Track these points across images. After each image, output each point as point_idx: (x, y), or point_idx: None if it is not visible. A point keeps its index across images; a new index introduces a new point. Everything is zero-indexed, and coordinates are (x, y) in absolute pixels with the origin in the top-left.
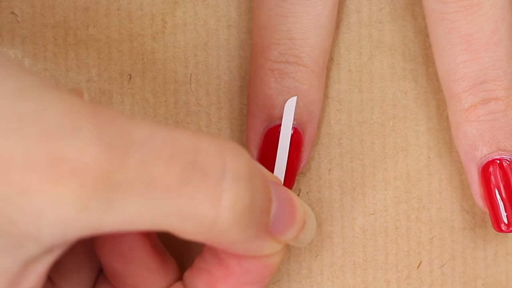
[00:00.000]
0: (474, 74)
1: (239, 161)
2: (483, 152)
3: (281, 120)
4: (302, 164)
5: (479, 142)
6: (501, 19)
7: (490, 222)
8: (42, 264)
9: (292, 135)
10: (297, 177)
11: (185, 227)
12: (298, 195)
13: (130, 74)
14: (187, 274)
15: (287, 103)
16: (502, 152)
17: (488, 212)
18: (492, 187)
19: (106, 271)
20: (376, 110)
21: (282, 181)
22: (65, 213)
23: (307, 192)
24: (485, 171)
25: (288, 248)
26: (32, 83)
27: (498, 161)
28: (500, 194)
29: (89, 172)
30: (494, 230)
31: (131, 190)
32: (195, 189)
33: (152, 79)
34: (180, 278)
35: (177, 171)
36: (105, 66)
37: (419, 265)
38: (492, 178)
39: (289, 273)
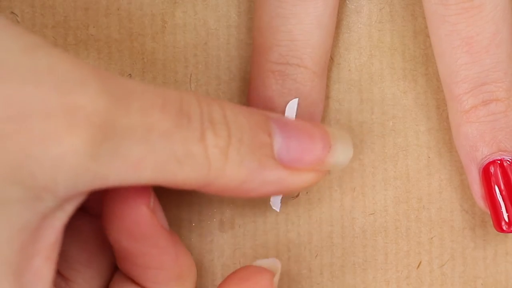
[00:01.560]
0: (475, 76)
1: (213, 108)
2: (484, 152)
3: None
4: None
5: (480, 143)
6: (502, 20)
7: (490, 222)
8: (58, 220)
9: None
10: None
11: (183, 171)
12: (298, 195)
13: (130, 74)
14: None
15: (288, 104)
16: (502, 153)
17: (489, 213)
18: (493, 187)
19: (116, 253)
20: (376, 110)
21: None
22: (78, 161)
23: (307, 192)
24: (486, 172)
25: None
26: (37, 41)
27: (499, 162)
28: (501, 194)
29: (99, 120)
30: (494, 230)
31: (134, 135)
32: (185, 132)
33: (152, 79)
34: (192, 263)
35: (170, 116)
36: (105, 66)
37: (418, 265)
38: (493, 178)
39: (288, 273)
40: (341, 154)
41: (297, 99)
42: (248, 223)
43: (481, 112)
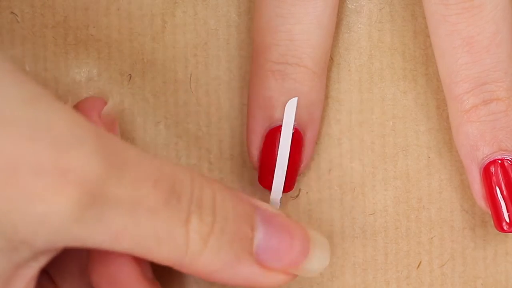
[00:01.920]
0: (476, 76)
1: (204, 191)
2: (485, 152)
3: (282, 121)
4: (303, 165)
5: (480, 143)
6: (502, 20)
7: (490, 222)
8: (30, 269)
9: (292, 136)
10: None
11: (160, 250)
12: (298, 195)
13: (130, 74)
14: None
15: (287, 104)
16: (503, 152)
17: (489, 213)
18: (494, 186)
19: None
20: (376, 110)
21: (283, 182)
22: (62, 222)
23: (307, 192)
24: (486, 171)
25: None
26: (41, 93)
27: (499, 161)
28: (501, 193)
29: (89, 184)
30: (494, 230)
31: (121, 206)
32: (171, 212)
33: (152, 79)
34: None
35: (161, 194)
36: (105, 66)
37: (418, 265)
38: (494, 178)
39: None
40: (317, 262)
41: (296, 98)
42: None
43: (482, 111)
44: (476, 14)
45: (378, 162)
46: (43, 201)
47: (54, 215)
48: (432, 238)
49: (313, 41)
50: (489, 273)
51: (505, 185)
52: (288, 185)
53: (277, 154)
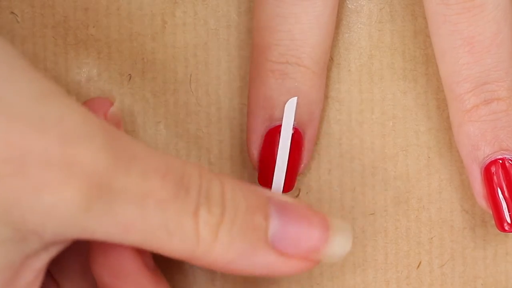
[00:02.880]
0: (477, 76)
1: (213, 184)
2: (486, 152)
3: (282, 121)
4: (303, 165)
5: (481, 142)
6: (503, 20)
7: (491, 222)
8: (40, 261)
9: (292, 136)
10: (297, 177)
11: (171, 242)
12: (298, 195)
13: (130, 74)
14: None
15: (287, 103)
16: (504, 152)
17: (490, 212)
18: (495, 186)
19: (98, 285)
20: (376, 110)
21: (283, 181)
22: (70, 212)
23: (307, 192)
24: (487, 171)
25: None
26: (52, 89)
27: (500, 161)
28: (503, 193)
29: (97, 176)
30: (494, 230)
31: (130, 198)
32: (180, 205)
33: (152, 79)
34: None
35: (170, 186)
36: (105, 66)
37: (418, 265)
38: (495, 178)
39: None
40: (338, 246)
41: (296, 97)
42: None
43: (483, 111)
44: (477, 14)
45: (378, 162)
46: (51, 192)
47: (62, 206)
48: (432, 238)
49: (312, 40)
50: (489, 273)
51: (506, 185)
52: (288, 185)
53: (276, 154)
